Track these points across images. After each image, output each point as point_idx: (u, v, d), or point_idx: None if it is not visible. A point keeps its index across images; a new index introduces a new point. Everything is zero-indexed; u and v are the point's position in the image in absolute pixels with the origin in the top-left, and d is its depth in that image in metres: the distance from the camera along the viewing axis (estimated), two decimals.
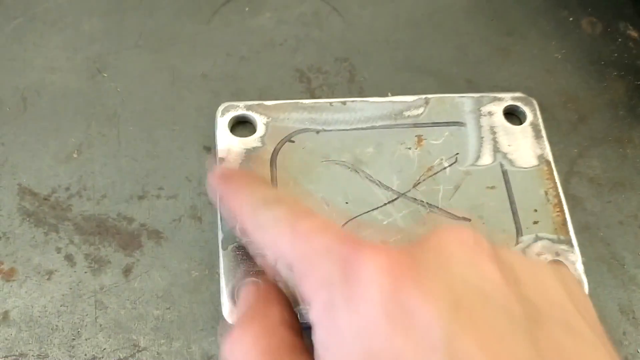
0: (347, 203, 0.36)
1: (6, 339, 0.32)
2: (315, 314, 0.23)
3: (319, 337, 0.23)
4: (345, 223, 0.35)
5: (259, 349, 0.25)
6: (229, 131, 0.37)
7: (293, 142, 0.37)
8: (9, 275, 0.34)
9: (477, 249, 0.23)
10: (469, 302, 0.21)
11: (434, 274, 0.21)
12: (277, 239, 0.26)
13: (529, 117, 0.39)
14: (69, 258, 0.34)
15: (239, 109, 0.38)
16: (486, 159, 0.38)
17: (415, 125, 0.38)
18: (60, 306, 0.33)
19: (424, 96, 0.39)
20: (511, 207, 0.36)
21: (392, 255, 0.22)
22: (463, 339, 0.19)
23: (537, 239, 0.35)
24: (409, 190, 0.36)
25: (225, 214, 0.32)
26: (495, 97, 0.40)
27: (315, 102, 0.39)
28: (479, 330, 0.20)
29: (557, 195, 0.37)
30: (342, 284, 0.22)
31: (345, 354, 0.21)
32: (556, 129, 0.40)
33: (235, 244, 0.34)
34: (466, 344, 0.19)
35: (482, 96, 0.40)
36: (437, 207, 0.36)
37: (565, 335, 0.21)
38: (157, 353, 0.32)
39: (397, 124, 0.38)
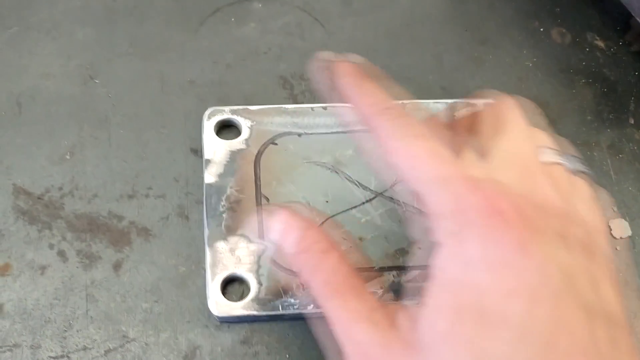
0: (327, 202, 0.38)
1: (0, 331, 0.33)
2: (441, 235, 0.25)
3: (442, 257, 0.25)
4: (325, 220, 0.37)
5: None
6: (215, 134, 0.39)
7: (276, 144, 0.39)
8: (4, 270, 0.35)
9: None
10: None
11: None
12: (413, 154, 0.27)
13: None
14: (61, 254, 0.36)
15: (225, 113, 0.40)
16: None
17: None
18: (53, 299, 0.35)
19: (400, 102, 0.41)
20: None
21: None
22: None
23: None
24: (386, 190, 0.38)
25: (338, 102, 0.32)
26: (468, 103, 0.41)
27: (297, 107, 0.41)
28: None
29: None
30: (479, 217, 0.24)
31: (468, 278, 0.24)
32: None
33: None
34: None
35: (455, 102, 0.42)
36: (413, 206, 0.38)
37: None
38: (146, 344, 0.34)
39: None
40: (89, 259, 0.36)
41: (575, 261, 0.24)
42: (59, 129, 0.40)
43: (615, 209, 0.40)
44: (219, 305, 0.34)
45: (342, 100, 0.30)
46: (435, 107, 0.41)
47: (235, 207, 0.37)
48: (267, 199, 0.37)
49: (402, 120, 0.28)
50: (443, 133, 0.29)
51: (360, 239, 0.37)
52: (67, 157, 0.39)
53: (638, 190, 0.41)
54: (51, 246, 0.36)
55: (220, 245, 0.35)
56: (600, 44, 0.47)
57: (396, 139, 0.27)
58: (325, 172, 0.39)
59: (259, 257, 0.35)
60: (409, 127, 0.28)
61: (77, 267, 0.35)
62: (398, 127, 0.28)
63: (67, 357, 0.33)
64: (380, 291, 0.35)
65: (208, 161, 0.38)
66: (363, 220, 0.37)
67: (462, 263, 0.24)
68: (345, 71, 0.31)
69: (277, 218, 0.29)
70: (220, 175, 0.38)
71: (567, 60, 0.46)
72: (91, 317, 0.34)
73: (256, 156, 0.39)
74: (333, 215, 0.37)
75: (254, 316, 0.34)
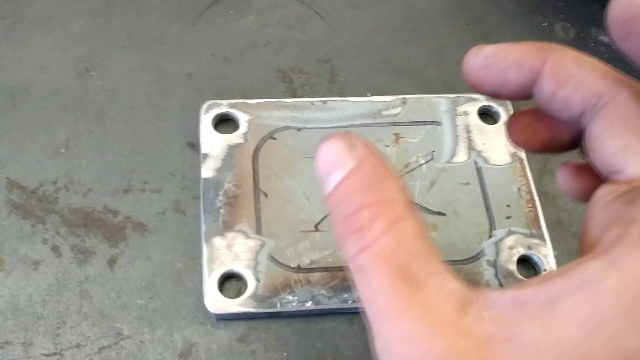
0: None
1: None
2: None
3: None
4: (325, 217, 0.36)
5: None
6: (212, 128, 0.38)
7: (275, 139, 0.38)
8: None
9: None
10: None
11: None
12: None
13: (503, 116, 0.40)
14: (55, 249, 0.35)
15: (223, 106, 0.39)
16: (461, 156, 0.39)
17: (393, 124, 0.40)
18: (46, 295, 0.34)
19: (401, 96, 0.41)
20: (485, 202, 0.37)
21: None
22: None
23: (510, 233, 0.37)
24: None
25: None
26: (470, 97, 0.41)
27: (296, 101, 0.40)
28: None
29: (530, 192, 0.38)
30: None
31: None
32: None
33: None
34: None
35: (457, 97, 0.41)
36: (414, 202, 0.37)
37: None
38: (140, 341, 0.33)
39: (376, 123, 0.40)
40: (84, 254, 0.35)
41: None
42: (54, 122, 0.39)
43: None
44: (216, 302, 0.33)
45: None
46: (437, 102, 0.40)
47: (232, 202, 0.36)
48: (266, 194, 0.36)
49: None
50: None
51: None
52: (62, 150, 0.38)
53: None
54: (45, 241, 0.35)
55: (218, 241, 0.35)
56: (605, 38, 0.46)
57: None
58: None
59: (257, 254, 0.35)
60: None
61: (71, 263, 0.35)
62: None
63: (60, 354, 0.32)
64: None
65: (205, 155, 0.37)
66: None
67: None
68: None
69: (328, 147, 0.23)
70: (218, 170, 0.37)
71: None
72: (85, 313, 0.34)
73: (254, 151, 0.38)
74: None
75: (251, 313, 0.33)
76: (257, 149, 0.38)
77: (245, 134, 0.38)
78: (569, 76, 0.24)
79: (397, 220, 0.21)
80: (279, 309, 0.33)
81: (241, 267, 0.34)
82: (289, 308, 0.34)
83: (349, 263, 0.21)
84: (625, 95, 0.23)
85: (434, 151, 0.39)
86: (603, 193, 0.22)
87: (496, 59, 0.26)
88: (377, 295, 0.20)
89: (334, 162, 0.22)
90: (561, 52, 0.25)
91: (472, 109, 0.40)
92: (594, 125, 0.24)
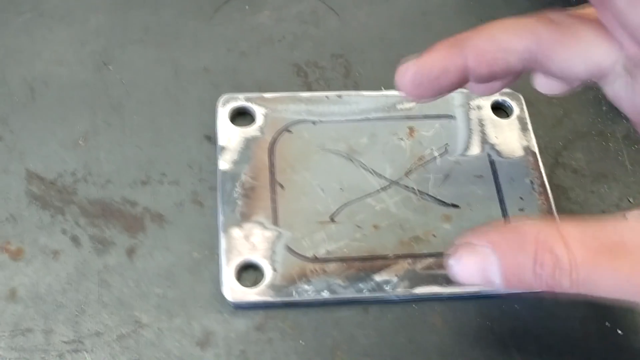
0: (342, 189, 0.37)
1: (13, 315, 0.33)
2: None
3: None
4: (340, 208, 0.37)
5: None
6: (229, 121, 0.39)
7: (291, 132, 0.39)
8: (17, 255, 0.35)
9: None
10: None
11: None
12: None
13: (516, 111, 0.41)
14: (74, 239, 0.36)
15: (239, 100, 0.39)
16: (474, 149, 0.39)
17: (407, 117, 0.40)
18: (66, 284, 0.34)
19: None
20: (498, 195, 0.38)
21: None
22: None
23: None
24: (401, 178, 0.38)
25: None
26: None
27: (312, 95, 0.40)
28: None
29: (542, 185, 0.38)
30: None
31: None
32: (542, 122, 0.42)
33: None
34: None
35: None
36: (428, 194, 0.38)
37: None
38: (159, 329, 0.34)
39: (390, 116, 0.40)
40: (102, 245, 0.35)
41: None
42: (72, 115, 0.39)
43: (632, 200, 0.40)
44: (234, 291, 0.34)
45: None
46: (450, 96, 0.41)
47: (249, 194, 0.36)
48: (282, 186, 0.37)
49: None
50: None
51: (375, 226, 0.36)
52: (81, 142, 0.38)
53: None
54: (64, 231, 0.36)
55: (235, 231, 0.35)
56: None
57: None
58: (340, 159, 0.38)
59: (274, 244, 0.35)
60: None
61: (90, 253, 0.35)
62: None
63: (80, 342, 0.33)
64: (395, 279, 0.35)
65: (222, 148, 0.38)
66: (378, 208, 0.37)
67: None
68: None
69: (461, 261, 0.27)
70: (235, 162, 0.37)
71: None
72: (104, 302, 0.34)
73: (270, 143, 0.38)
74: (348, 203, 0.37)
75: (269, 302, 0.34)
76: (273, 142, 0.38)
77: (261, 127, 0.39)
78: (493, 56, 0.28)
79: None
80: (295, 298, 0.34)
81: (258, 257, 0.35)
82: (305, 297, 0.34)
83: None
84: (545, 33, 0.27)
85: (447, 144, 0.39)
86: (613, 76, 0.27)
87: (423, 74, 0.29)
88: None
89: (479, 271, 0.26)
90: (473, 40, 0.28)
91: (486, 103, 0.41)
92: (555, 64, 0.27)
